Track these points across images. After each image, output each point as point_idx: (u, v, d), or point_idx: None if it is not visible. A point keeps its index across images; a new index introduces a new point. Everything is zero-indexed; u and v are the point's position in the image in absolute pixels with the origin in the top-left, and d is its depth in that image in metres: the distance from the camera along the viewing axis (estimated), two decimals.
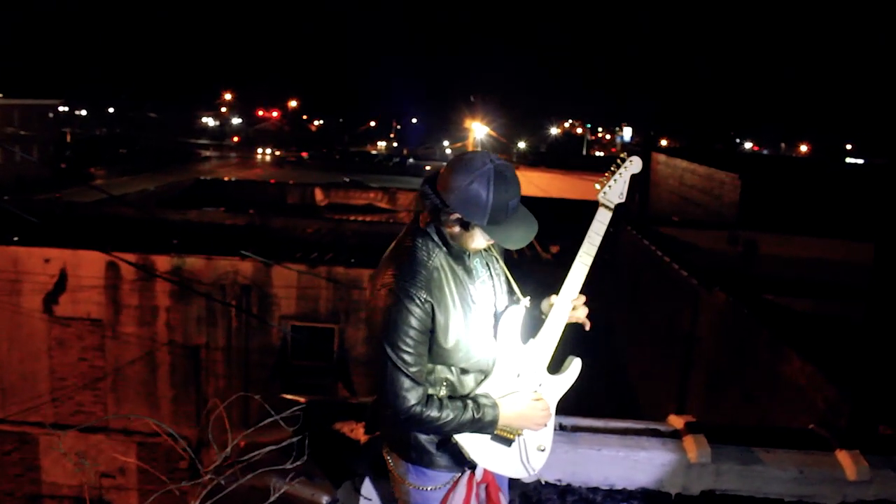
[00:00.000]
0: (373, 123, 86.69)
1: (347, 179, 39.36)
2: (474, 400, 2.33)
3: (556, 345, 2.46)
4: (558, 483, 3.03)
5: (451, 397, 2.33)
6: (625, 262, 13.65)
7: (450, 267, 2.32)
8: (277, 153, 63.38)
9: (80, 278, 12.71)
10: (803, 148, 70.55)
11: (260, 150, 65.20)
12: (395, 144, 75.09)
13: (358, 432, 3.00)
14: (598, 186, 2.43)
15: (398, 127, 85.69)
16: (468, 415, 2.28)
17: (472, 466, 2.45)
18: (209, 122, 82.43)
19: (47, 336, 13.01)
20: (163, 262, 12.65)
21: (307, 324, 12.72)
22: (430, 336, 2.27)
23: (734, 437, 3.13)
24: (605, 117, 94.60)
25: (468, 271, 2.38)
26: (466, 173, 2.18)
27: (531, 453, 2.48)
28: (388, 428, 2.45)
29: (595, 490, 3.03)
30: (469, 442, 2.35)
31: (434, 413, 2.25)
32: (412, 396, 2.22)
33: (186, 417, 12.89)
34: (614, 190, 2.43)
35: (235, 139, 73.38)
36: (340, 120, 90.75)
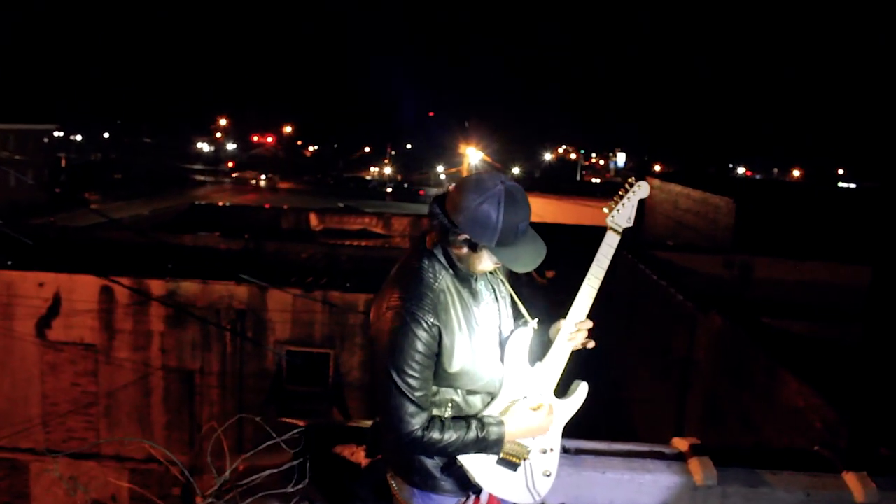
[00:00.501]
0: (367, 149, 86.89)
1: (342, 205, 39.37)
2: (479, 419, 2.29)
3: (563, 368, 2.43)
4: None
5: (454, 418, 2.29)
6: (621, 286, 13.64)
7: (456, 289, 2.29)
8: (262, 180, 63.31)
9: (73, 302, 12.62)
10: (796, 173, 70.93)
11: (253, 176, 65.17)
12: (387, 171, 75.07)
13: (358, 456, 2.96)
14: (606, 210, 2.42)
15: (393, 153, 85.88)
16: (472, 434, 2.24)
17: (477, 491, 2.40)
18: (204, 147, 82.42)
19: (40, 361, 12.88)
20: (157, 287, 12.57)
21: (302, 349, 12.63)
22: (436, 360, 2.23)
23: (739, 460, 3.09)
24: (598, 143, 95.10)
25: (474, 294, 2.36)
26: (477, 194, 2.15)
27: (537, 478, 2.44)
28: (392, 452, 2.40)
29: None
30: (474, 465, 2.31)
31: (436, 435, 2.20)
32: (416, 422, 2.18)
33: (180, 443, 12.75)
34: (622, 214, 2.42)
35: (230, 164, 73.39)
36: (335, 146, 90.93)
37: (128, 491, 12.63)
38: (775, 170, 77.25)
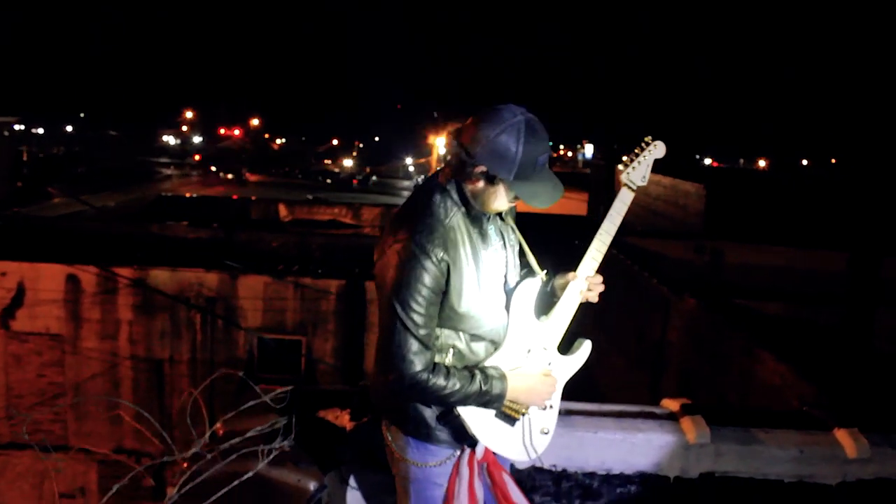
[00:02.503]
0: (335, 142, 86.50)
1: (311, 197, 39.01)
2: (482, 371, 2.20)
3: (568, 323, 2.38)
4: (553, 469, 2.92)
5: (457, 367, 2.21)
6: None
7: (466, 229, 2.21)
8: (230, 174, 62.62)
9: (38, 292, 12.34)
10: (762, 163, 71.74)
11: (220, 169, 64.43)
12: (346, 163, 74.36)
13: (343, 419, 2.87)
14: (621, 167, 2.41)
15: (361, 145, 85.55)
16: (475, 386, 2.16)
17: (473, 444, 2.32)
18: (170, 140, 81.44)
19: (3, 352, 12.57)
20: (125, 275, 12.34)
21: (274, 336, 12.48)
22: (443, 298, 2.15)
23: (731, 419, 3.05)
24: (566, 135, 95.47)
25: (483, 236, 2.27)
26: (495, 124, 2.08)
27: (535, 435, 2.37)
28: (389, 396, 2.30)
29: (591, 475, 2.92)
30: (472, 417, 2.23)
31: (441, 381, 2.12)
32: (419, 361, 2.10)
33: (150, 433, 12.52)
34: (637, 172, 2.40)
35: (197, 158, 72.51)
36: (303, 138, 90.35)
37: (96, 483, 12.42)
38: (741, 160, 78.10)
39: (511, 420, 2.31)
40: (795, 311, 9.82)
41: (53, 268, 12.31)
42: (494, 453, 2.37)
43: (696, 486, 2.94)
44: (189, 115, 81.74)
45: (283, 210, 23.26)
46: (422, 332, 2.10)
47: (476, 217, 2.24)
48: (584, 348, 2.44)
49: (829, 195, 17.24)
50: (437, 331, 2.21)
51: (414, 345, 2.09)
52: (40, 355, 12.64)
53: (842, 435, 2.97)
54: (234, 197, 30.39)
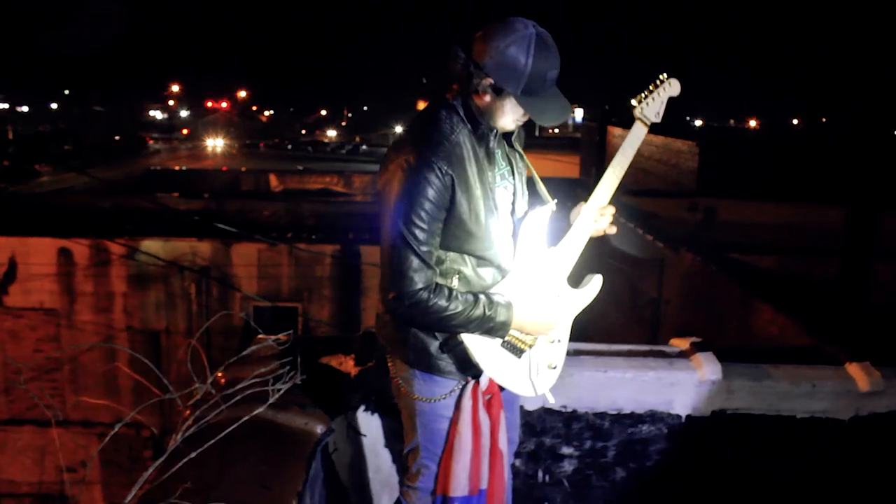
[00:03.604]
0: (324, 112, 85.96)
1: (301, 168, 38.74)
2: (488, 297, 2.13)
3: (579, 254, 2.31)
4: (563, 410, 2.87)
5: (462, 291, 2.14)
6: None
7: (472, 147, 2.13)
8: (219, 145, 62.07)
9: (30, 266, 12.23)
10: (752, 123, 71.58)
11: (210, 142, 63.97)
12: (331, 133, 73.60)
13: (348, 365, 2.81)
14: (634, 102, 2.32)
15: (350, 115, 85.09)
16: (479, 311, 2.09)
17: (477, 376, 2.24)
18: (157, 114, 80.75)
19: None
20: (117, 247, 12.22)
21: (270, 303, 12.42)
22: (447, 215, 2.08)
23: (742, 357, 3.00)
24: None
25: (490, 156, 2.19)
26: (505, 35, 2.00)
27: (541, 370, 2.29)
28: (390, 321, 2.23)
29: (602, 415, 2.87)
30: (477, 345, 2.15)
31: (442, 302, 2.05)
32: (420, 279, 2.04)
33: (149, 406, 12.46)
34: (651, 108, 2.32)
35: (185, 131, 71.92)
36: (291, 109, 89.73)
37: (97, 456, 12.40)
38: (732, 121, 77.95)
39: (518, 352, 2.23)
40: (790, 263, 9.83)
41: (45, 242, 12.21)
42: (502, 390, 2.30)
43: (709, 424, 2.90)
44: (175, 88, 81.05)
45: (273, 180, 23.16)
46: (423, 248, 2.04)
47: (482, 136, 2.17)
48: (595, 282, 2.37)
49: (822, 151, 17.20)
50: (443, 254, 2.14)
51: (414, 261, 2.04)
52: (35, 330, 12.56)
53: (854, 369, 2.93)
54: (224, 169, 30.22)
